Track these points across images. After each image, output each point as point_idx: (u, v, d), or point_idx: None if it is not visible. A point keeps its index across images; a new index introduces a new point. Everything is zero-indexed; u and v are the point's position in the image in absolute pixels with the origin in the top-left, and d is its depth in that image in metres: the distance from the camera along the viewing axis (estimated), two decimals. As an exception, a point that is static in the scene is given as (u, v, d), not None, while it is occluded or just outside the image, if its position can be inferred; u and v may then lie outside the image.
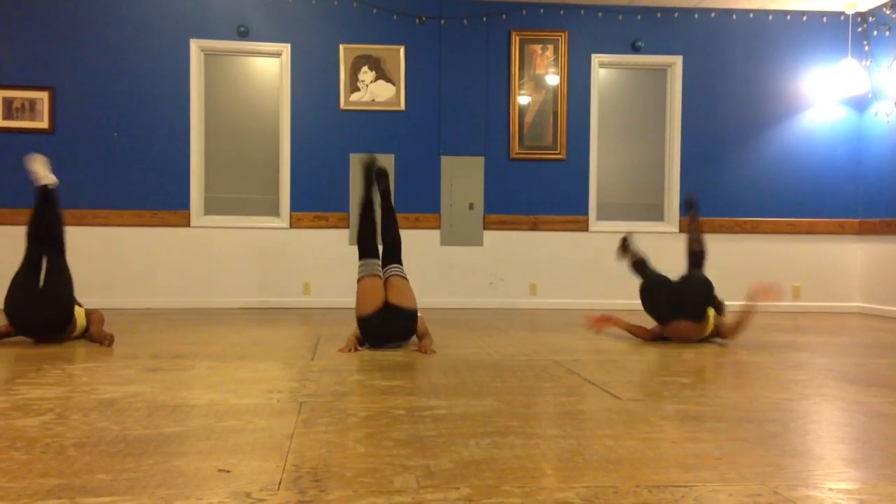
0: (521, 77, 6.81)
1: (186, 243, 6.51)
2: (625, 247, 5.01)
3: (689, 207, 5.04)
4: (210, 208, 6.65)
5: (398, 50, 6.68)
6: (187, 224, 6.52)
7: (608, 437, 2.29)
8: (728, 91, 6.93)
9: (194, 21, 6.52)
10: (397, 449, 2.13)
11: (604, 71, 6.98)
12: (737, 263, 6.81)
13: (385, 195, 4.54)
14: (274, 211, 6.71)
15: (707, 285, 4.56)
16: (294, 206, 6.64)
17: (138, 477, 1.86)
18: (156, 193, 6.48)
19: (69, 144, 6.39)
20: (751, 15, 6.90)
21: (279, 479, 1.86)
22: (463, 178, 6.75)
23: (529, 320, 5.85)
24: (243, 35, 6.56)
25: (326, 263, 6.59)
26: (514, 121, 6.79)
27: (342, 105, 6.65)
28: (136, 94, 6.46)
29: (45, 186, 4.38)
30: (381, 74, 6.67)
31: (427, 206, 6.74)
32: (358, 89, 6.66)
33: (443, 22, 6.74)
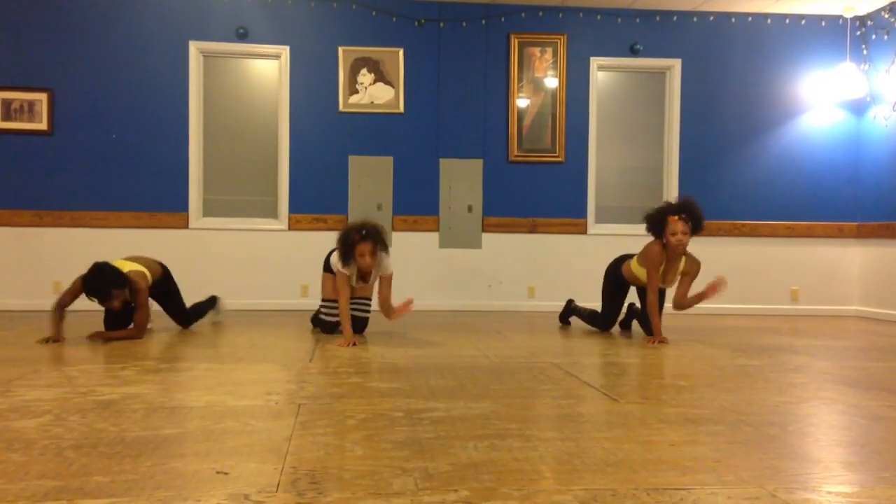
0: (519, 80, 6.81)
1: (185, 245, 6.50)
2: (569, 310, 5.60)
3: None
4: (208, 210, 6.65)
5: (397, 52, 6.69)
6: (185, 226, 6.52)
7: (606, 440, 2.29)
8: (727, 94, 6.94)
9: (193, 23, 6.52)
10: (396, 451, 2.13)
11: (602, 74, 6.99)
12: (735, 267, 6.80)
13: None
14: (272, 213, 6.71)
15: None
16: (293, 209, 6.64)
17: (136, 479, 1.86)
18: (154, 195, 6.48)
19: (68, 146, 6.39)
20: (749, 18, 6.91)
21: (277, 481, 1.85)
22: (462, 180, 6.76)
23: (528, 323, 5.85)
24: (242, 37, 6.56)
25: (325, 265, 6.59)
26: (513, 123, 6.79)
27: (341, 107, 6.65)
28: (135, 96, 6.46)
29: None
30: (380, 77, 6.68)
31: (426, 208, 6.75)
32: (357, 91, 6.66)
33: (442, 25, 6.74)
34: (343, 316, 4.51)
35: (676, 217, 4.62)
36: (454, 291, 6.76)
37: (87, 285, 4.29)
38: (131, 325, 4.53)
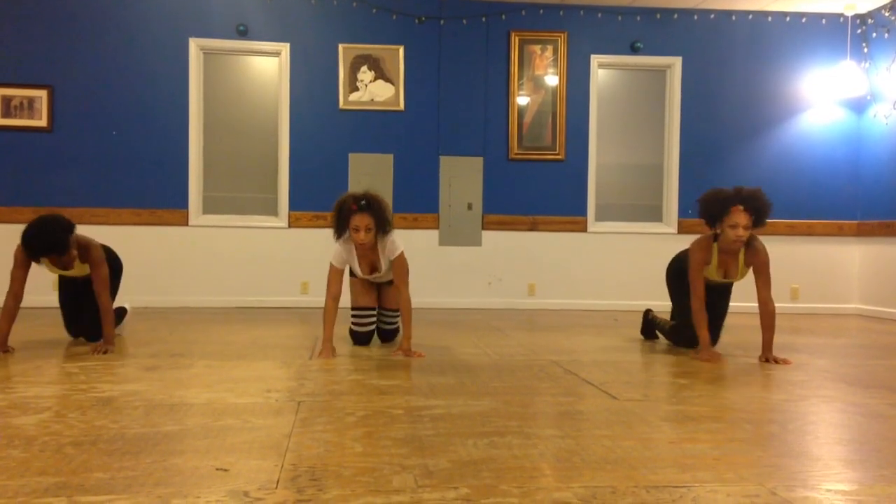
0: (520, 77, 6.81)
1: (184, 242, 6.50)
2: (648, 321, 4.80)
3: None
4: (208, 207, 6.64)
5: (397, 50, 6.68)
6: (185, 223, 6.52)
7: (606, 438, 2.29)
8: (727, 92, 6.94)
9: (193, 20, 6.51)
10: (395, 448, 2.13)
11: (603, 72, 6.99)
12: (735, 264, 6.81)
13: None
14: (272, 210, 6.71)
15: None
16: (293, 206, 6.63)
17: (136, 475, 1.86)
18: (154, 192, 6.48)
19: (68, 143, 6.38)
20: (750, 16, 6.91)
21: (277, 477, 1.86)
22: (462, 178, 6.75)
23: (528, 320, 5.85)
24: (242, 34, 6.55)
25: (325, 263, 6.48)
26: (513, 121, 6.79)
27: (341, 105, 6.65)
28: (135, 93, 6.46)
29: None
30: (381, 74, 6.67)
31: (426, 206, 6.74)
32: (357, 89, 6.66)
33: (442, 22, 6.74)
34: (326, 318, 3.88)
35: (742, 207, 3.82)
36: (454, 289, 6.76)
37: (38, 244, 3.65)
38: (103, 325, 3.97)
